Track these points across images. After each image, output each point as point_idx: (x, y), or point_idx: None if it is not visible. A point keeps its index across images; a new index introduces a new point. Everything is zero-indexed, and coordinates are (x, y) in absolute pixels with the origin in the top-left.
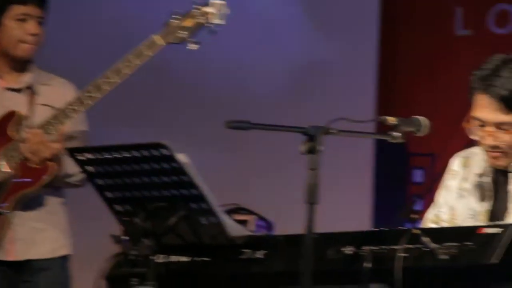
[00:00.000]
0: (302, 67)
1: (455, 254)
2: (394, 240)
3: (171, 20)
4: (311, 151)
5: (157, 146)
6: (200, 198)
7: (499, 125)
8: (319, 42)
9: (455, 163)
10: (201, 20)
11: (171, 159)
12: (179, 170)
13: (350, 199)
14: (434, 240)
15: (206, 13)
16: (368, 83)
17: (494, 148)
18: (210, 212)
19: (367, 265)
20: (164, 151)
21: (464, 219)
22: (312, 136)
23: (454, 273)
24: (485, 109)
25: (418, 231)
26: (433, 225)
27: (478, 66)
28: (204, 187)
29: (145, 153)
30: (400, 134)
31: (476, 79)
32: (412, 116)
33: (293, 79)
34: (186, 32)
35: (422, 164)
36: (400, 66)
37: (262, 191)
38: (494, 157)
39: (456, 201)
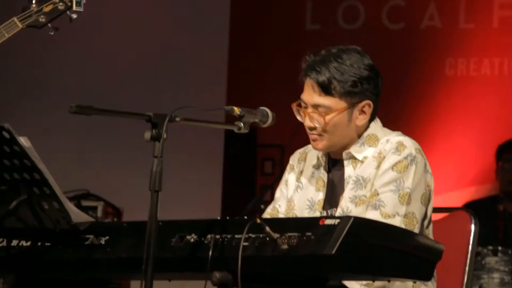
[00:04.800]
0: (156, 55)
1: (295, 244)
2: (237, 229)
3: (31, 4)
4: (155, 138)
5: None
6: (43, 182)
7: (316, 107)
8: (174, 30)
9: (293, 158)
10: (60, 6)
11: (12, 142)
12: (21, 154)
13: (201, 188)
14: (276, 230)
15: (66, 0)
16: (220, 73)
17: (312, 129)
18: (52, 197)
19: (210, 253)
20: (5, 134)
21: (302, 210)
22: (155, 123)
23: (294, 263)
24: (306, 91)
25: (260, 221)
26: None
27: None
28: (46, 172)
29: None
30: (244, 124)
31: (305, 64)
32: (259, 108)
33: (148, 67)
34: (45, 17)
35: (272, 155)
36: (252, 59)
37: (112, 178)
38: (313, 140)
39: (293, 193)
